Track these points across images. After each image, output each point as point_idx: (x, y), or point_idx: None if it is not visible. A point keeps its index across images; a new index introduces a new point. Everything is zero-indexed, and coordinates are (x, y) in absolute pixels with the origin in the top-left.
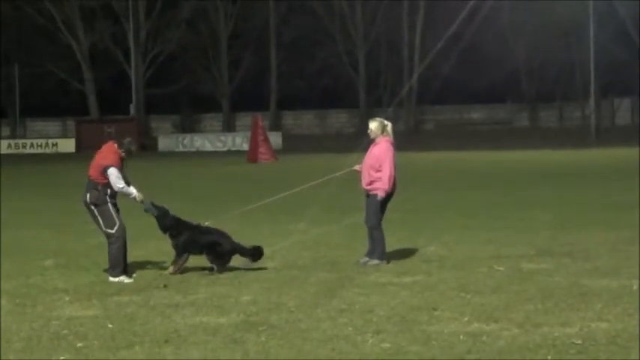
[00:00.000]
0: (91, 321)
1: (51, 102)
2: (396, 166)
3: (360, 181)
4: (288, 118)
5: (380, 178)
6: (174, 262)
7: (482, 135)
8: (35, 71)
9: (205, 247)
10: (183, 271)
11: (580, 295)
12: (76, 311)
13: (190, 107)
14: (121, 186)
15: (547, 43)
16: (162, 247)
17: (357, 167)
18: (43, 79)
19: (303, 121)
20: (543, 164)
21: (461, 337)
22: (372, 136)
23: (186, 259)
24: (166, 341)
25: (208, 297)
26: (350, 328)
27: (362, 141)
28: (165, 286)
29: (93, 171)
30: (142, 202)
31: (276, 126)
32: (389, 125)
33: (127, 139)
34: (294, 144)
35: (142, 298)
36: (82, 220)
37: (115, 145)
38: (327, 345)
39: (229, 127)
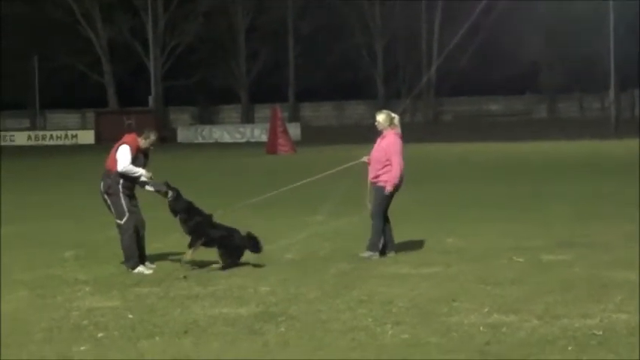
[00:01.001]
0: (111, 312)
1: (70, 94)
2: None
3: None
4: (307, 110)
5: (387, 171)
6: (190, 247)
7: (501, 126)
8: (55, 64)
9: (217, 240)
10: (202, 265)
11: (600, 287)
12: (97, 302)
13: (209, 99)
14: (125, 164)
15: (566, 34)
16: (182, 240)
17: (365, 159)
18: (62, 72)
19: (322, 112)
20: (562, 156)
21: (481, 328)
22: (380, 128)
23: (201, 244)
24: (186, 332)
25: (228, 288)
26: (369, 319)
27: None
28: (184, 277)
29: (109, 160)
30: (150, 179)
31: (294, 117)
32: (396, 117)
33: (147, 129)
34: (312, 135)
35: (161, 289)
36: (101, 212)
37: (135, 134)
38: (347, 336)
39: (248, 119)
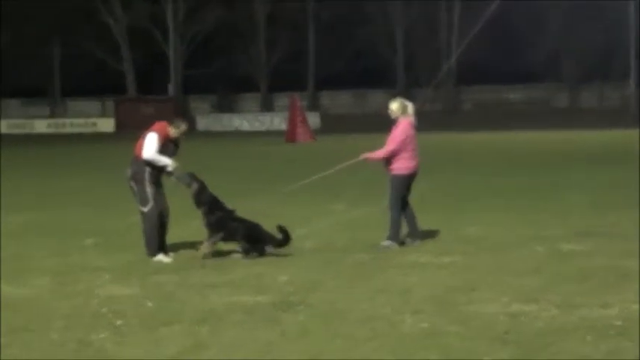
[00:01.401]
0: (130, 299)
1: (90, 82)
2: (416, 147)
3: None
4: (326, 98)
5: (398, 159)
6: (206, 241)
7: (521, 115)
8: (74, 51)
9: (238, 235)
10: (218, 253)
11: (619, 277)
12: (116, 290)
13: (228, 87)
14: (151, 152)
15: (586, 23)
16: (200, 227)
17: (363, 157)
18: (82, 59)
19: (341, 101)
20: (582, 145)
21: (500, 317)
22: (393, 116)
23: (219, 239)
24: (204, 320)
25: (246, 276)
26: (388, 308)
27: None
28: (203, 265)
29: (138, 147)
30: (176, 169)
31: (314, 106)
32: (410, 105)
33: (178, 118)
34: (332, 124)
35: (180, 277)
36: (121, 199)
37: (165, 123)
38: (366, 325)
39: (267, 107)
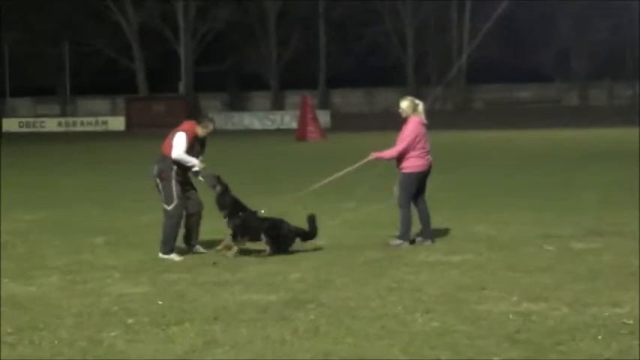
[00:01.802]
0: (141, 298)
1: (100, 80)
2: (428, 145)
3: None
4: (337, 97)
5: (408, 157)
6: (230, 243)
7: (531, 114)
8: (85, 50)
9: (264, 230)
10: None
11: (630, 275)
12: (126, 288)
13: (239, 85)
14: (180, 151)
15: (596, 21)
16: (216, 225)
17: (372, 156)
18: (92, 57)
19: (352, 99)
20: (593, 143)
21: (510, 316)
22: (404, 115)
23: (243, 244)
24: (215, 318)
25: (257, 275)
26: (399, 307)
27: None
28: (214, 263)
29: (166, 144)
30: (203, 169)
31: (324, 104)
32: (420, 104)
33: (206, 117)
34: (342, 122)
35: (191, 275)
36: (131, 198)
37: (193, 122)
38: (377, 323)
39: (278, 106)
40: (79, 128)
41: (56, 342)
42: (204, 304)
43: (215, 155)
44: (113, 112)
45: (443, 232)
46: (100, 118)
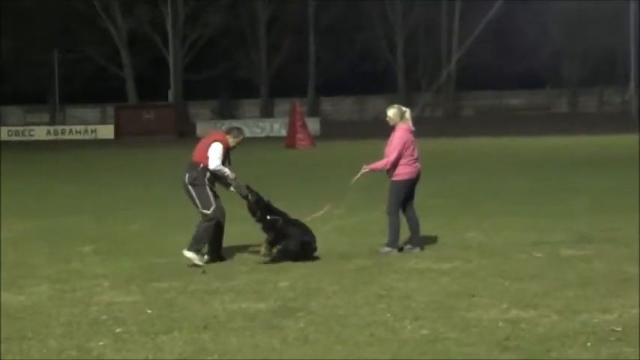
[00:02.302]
0: (130, 306)
1: (90, 88)
2: (416, 152)
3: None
4: (327, 104)
5: (398, 164)
6: (267, 243)
7: (522, 120)
8: (74, 57)
9: (296, 245)
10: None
11: (620, 282)
12: (115, 297)
13: (229, 93)
14: (217, 162)
15: (587, 27)
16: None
17: (368, 167)
18: (81, 64)
19: (342, 106)
20: (583, 150)
21: (500, 323)
22: (391, 123)
23: (279, 243)
24: (205, 327)
25: (247, 283)
26: (388, 314)
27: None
28: (204, 272)
29: (197, 153)
30: (234, 179)
31: (314, 112)
32: (407, 112)
33: (236, 129)
34: (332, 130)
35: (180, 284)
36: (121, 206)
37: (224, 133)
38: (366, 331)
39: (267, 113)
40: (68, 137)
41: (45, 351)
42: (194, 313)
43: None
44: (102, 121)
45: (433, 239)
46: (89, 127)
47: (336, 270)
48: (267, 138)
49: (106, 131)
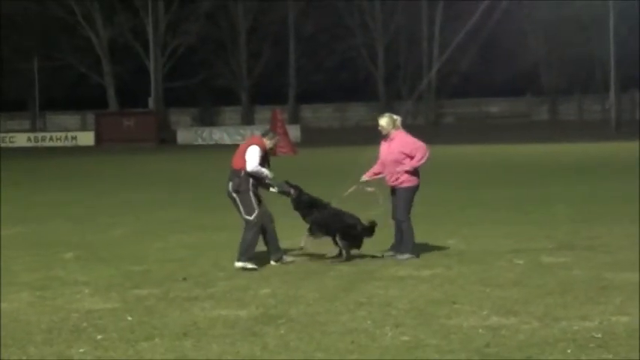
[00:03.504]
0: (111, 314)
1: (70, 95)
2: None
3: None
4: (307, 112)
5: (404, 172)
6: (309, 233)
7: (502, 128)
8: (55, 65)
9: (339, 231)
10: (200, 267)
11: (600, 289)
12: (96, 304)
13: (209, 100)
14: (255, 164)
15: (566, 36)
16: (182, 241)
17: (364, 178)
18: (62, 72)
19: (322, 114)
20: (563, 158)
21: (480, 330)
22: (384, 132)
23: (319, 237)
24: (185, 334)
25: (227, 290)
26: (369, 322)
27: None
28: (184, 279)
29: (237, 160)
30: (273, 179)
31: (295, 119)
32: (399, 119)
33: (271, 132)
34: (313, 137)
35: (161, 291)
36: (102, 213)
37: (260, 136)
38: (346, 338)
39: (248, 121)
40: (48, 143)
41: (25, 358)
42: (174, 320)
43: (186, 170)
44: (83, 128)
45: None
46: (70, 134)
47: (317, 277)
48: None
49: (87, 138)
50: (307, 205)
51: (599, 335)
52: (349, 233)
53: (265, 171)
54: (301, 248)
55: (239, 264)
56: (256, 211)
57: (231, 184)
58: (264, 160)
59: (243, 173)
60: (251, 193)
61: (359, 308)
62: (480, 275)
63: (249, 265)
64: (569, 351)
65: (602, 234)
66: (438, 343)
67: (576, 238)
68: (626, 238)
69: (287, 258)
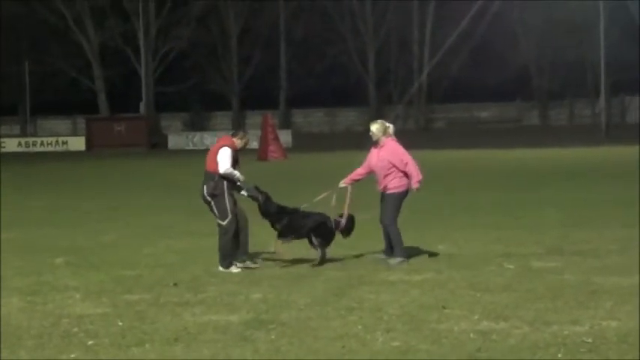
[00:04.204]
0: (102, 319)
1: (61, 100)
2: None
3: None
4: (298, 116)
5: (394, 177)
6: (277, 239)
7: (493, 133)
8: (46, 69)
9: (311, 230)
10: (193, 272)
11: (590, 293)
12: (87, 309)
13: (200, 105)
14: (227, 166)
15: (557, 40)
16: (172, 246)
17: (342, 184)
18: (53, 77)
19: (313, 119)
20: (554, 162)
21: (471, 335)
22: (375, 138)
23: (290, 241)
24: (176, 339)
25: (218, 295)
26: (360, 327)
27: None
28: (175, 284)
29: (210, 162)
30: (244, 182)
31: (286, 124)
32: (391, 126)
33: (241, 129)
34: (304, 142)
35: (151, 296)
36: (93, 218)
37: (229, 137)
38: (337, 343)
39: (239, 125)
40: (39, 148)
41: None
42: (165, 325)
43: (177, 175)
44: (74, 133)
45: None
46: (61, 138)
47: (308, 282)
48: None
49: (78, 143)
50: (275, 212)
51: (590, 340)
52: (322, 230)
53: (237, 174)
54: (274, 253)
55: (223, 270)
56: (229, 217)
57: (205, 187)
58: (235, 161)
59: (217, 176)
60: (226, 196)
61: (350, 313)
62: (470, 280)
63: (234, 270)
64: (559, 355)
65: (591, 238)
66: (429, 347)
67: (566, 242)
68: (615, 242)
69: (250, 264)
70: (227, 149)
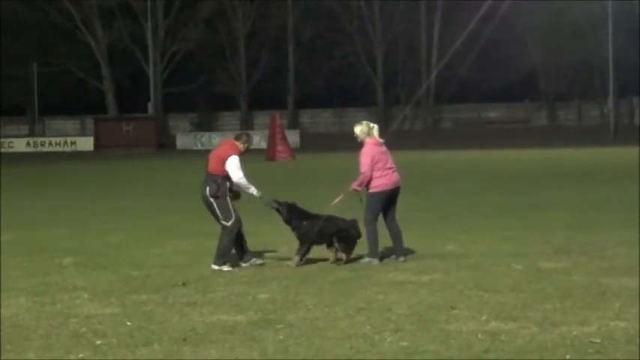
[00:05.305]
0: (110, 319)
1: (69, 100)
2: (390, 163)
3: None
4: (306, 117)
5: (373, 177)
6: (297, 252)
7: (501, 134)
8: (54, 70)
9: (334, 235)
10: (199, 272)
11: (598, 294)
12: (95, 309)
13: (208, 106)
14: (240, 176)
15: (565, 42)
16: (180, 247)
17: (353, 186)
18: (61, 77)
19: (321, 119)
20: (561, 163)
21: (479, 335)
22: (359, 140)
23: (309, 249)
24: (184, 339)
25: (226, 295)
26: (368, 327)
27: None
28: (183, 284)
29: (213, 164)
30: (261, 197)
31: (293, 124)
32: (375, 127)
33: (245, 134)
34: (311, 142)
35: (160, 296)
36: (100, 219)
37: (234, 140)
38: (345, 343)
39: (247, 126)
40: (47, 148)
41: None
42: (173, 325)
43: (185, 175)
44: (82, 133)
45: (412, 252)
46: (69, 139)
47: (316, 282)
48: (247, 150)
49: (86, 143)
50: (296, 218)
51: (598, 340)
52: (343, 237)
53: (251, 186)
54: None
55: (215, 267)
56: (234, 217)
57: (208, 188)
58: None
59: (220, 178)
60: (228, 198)
61: (358, 313)
62: (478, 280)
63: (225, 268)
64: (567, 356)
65: (599, 239)
66: (437, 348)
67: (573, 243)
68: (623, 243)
69: (257, 261)
70: (235, 158)
